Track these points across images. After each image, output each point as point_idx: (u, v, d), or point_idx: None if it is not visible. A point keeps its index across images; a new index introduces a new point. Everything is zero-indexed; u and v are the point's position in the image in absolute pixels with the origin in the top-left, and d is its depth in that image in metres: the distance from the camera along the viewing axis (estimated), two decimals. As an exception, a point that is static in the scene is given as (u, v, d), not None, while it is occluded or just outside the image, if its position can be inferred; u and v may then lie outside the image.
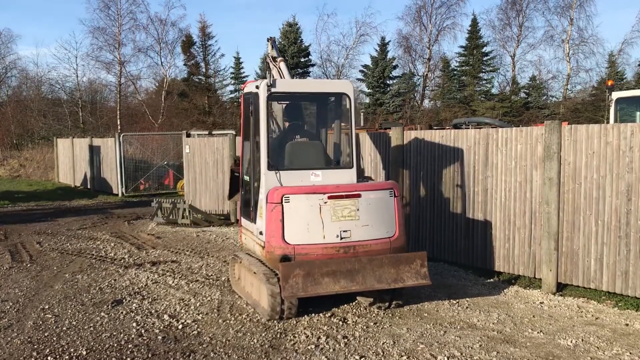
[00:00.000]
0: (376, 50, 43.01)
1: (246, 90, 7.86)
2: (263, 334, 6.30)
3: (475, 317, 6.84)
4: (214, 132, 16.71)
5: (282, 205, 6.66)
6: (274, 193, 6.74)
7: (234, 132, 15.32)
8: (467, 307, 7.23)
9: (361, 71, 43.23)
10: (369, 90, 42.91)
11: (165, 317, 6.96)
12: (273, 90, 7.08)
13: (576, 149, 7.71)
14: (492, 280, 8.60)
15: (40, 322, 6.81)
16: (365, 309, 7.18)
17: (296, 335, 6.27)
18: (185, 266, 9.74)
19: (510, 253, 8.56)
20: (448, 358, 5.61)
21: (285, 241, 6.64)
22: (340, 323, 6.64)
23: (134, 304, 7.51)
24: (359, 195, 6.88)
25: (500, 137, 8.64)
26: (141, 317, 6.98)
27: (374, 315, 6.95)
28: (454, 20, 44.53)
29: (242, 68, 43.05)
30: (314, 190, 6.79)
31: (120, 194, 21.10)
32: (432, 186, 9.70)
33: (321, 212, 6.70)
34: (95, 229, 13.90)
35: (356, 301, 7.42)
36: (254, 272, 7.25)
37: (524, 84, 44.40)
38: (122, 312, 7.16)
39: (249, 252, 7.92)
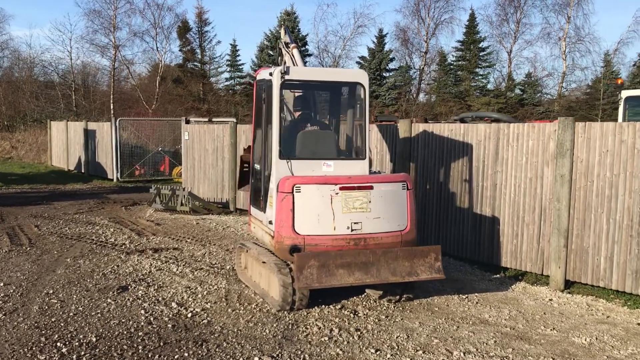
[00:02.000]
0: (373, 42, 42.86)
1: (259, 77, 7.72)
2: (274, 325, 6.22)
3: (486, 313, 6.79)
4: (214, 119, 16.53)
5: (293, 195, 6.57)
6: (285, 182, 6.64)
7: (235, 120, 15.17)
8: (477, 303, 7.19)
9: (358, 62, 43.04)
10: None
11: (174, 305, 6.86)
12: (287, 77, 6.93)
13: (589, 147, 7.67)
14: (498, 275, 8.57)
15: (46, 307, 6.68)
16: (375, 301, 7.12)
17: (308, 326, 6.20)
18: (188, 254, 9.63)
19: (518, 249, 8.53)
20: (464, 353, 5.56)
21: (295, 231, 6.55)
22: (352, 315, 6.58)
23: (140, 291, 7.40)
24: (371, 187, 6.81)
25: (511, 133, 8.58)
26: (149, 304, 6.87)
27: (384, 308, 6.90)
28: (452, 14, 44.59)
29: (239, 56, 42.93)
30: (326, 181, 6.70)
31: (115, 179, 20.89)
32: (439, 180, 9.64)
33: (332, 203, 6.64)
34: (93, 213, 13.73)
35: (365, 294, 7.36)
36: (263, 262, 7.17)
37: (519, 80, 44.48)
38: (128, 299, 7.05)
39: (257, 241, 7.83)
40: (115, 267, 8.66)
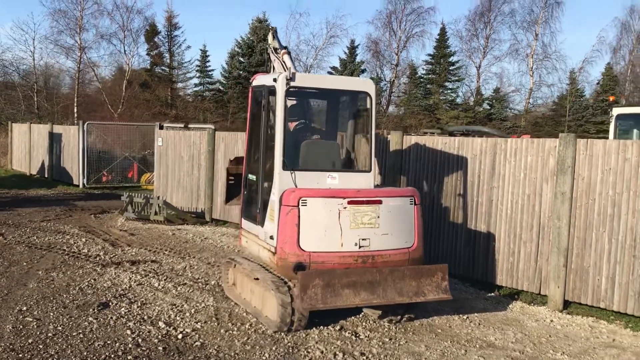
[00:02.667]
0: (345, 53, 42.85)
1: (257, 83, 7.32)
2: (273, 348, 5.81)
3: (491, 335, 6.52)
4: (190, 126, 16.00)
5: (299, 209, 6.18)
6: (289, 195, 6.25)
7: (213, 127, 14.68)
8: (479, 324, 6.91)
9: (329, 73, 42.87)
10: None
11: (161, 324, 6.38)
12: (292, 84, 6.52)
13: (591, 164, 7.51)
14: (493, 294, 8.33)
15: (21, 327, 6.12)
16: (375, 322, 6.77)
17: (309, 350, 5.81)
18: (168, 267, 9.13)
19: (514, 267, 8.31)
20: (479, 381, 5.27)
21: (300, 247, 6.15)
22: (353, 338, 6.21)
23: (123, 308, 6.89)
24: (380, 202, 6.48)
25: (509, 148, 8.39)
26: (134, 323, 6.37)
27: (385, 329, 6.55)
28: (423, 28, 44.80)
29: (209, 62, 42.06)
30: (334, 194, 6.34)
31: (81, 185, 20.06)
32: (432, 194, 9.38)
33: (340, 218, 6.27)
34: (61, 221, 13.04)
35: (362, 313, 7.00)
36: (256, 279, 6.76)
37: (487, 95, 45.04)
38: (111, 317, 6.53)
39: (249, 256, 7.40)
40: (92, 280, 8.11)
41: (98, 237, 11.29)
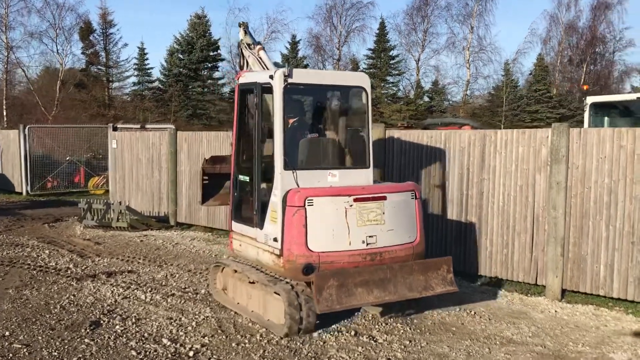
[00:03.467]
0: (287, 48, 42.51)
1: (245, 80, 6.96)
2: (295, 360, 5.49)
3: (506, 330, 6.41)
4: (147, 126, 15.29)
5: (305, 209, 5.95)
6: (294, 195, 6.00)
7: (174, 127, 14.07)
8: (489, 319, 6.80)
9: (271, 68, 42.37)
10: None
11: (165, 341, 5.92)
12: (290, 81, 6.27)
13: (586, 153, 7.54)
14: (488, 287, 8.26)
15: (11, 355, 5.52)
16: (386, 323, 6.53)
17: (333, 359, 5.51)
18: (147, 277, 8.59)
19: (509, 259, 8.27)
20: (517, 380, 5.12)
21: (309, 248, 5.95)
22: (373, 342, 5.96)
23: (117, 326, 6.37)
24: (384, 198, 6.38)
25: (499, 139, 8.33)
26: (135, 342, 5.89)
27: (401, 332, 6.32)
28: (363, 22, 45.06)
29: (147, 59, 40.75)
30: (340, 192, 6.18)
31: (24, 193, 18.88)
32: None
33: (347, 216, 6.11)
34: (13, 233, 12.15)
35: (360, 311, 6.74)
36: (254, 282, 6.47)
37: (427, 88, 45.73)
38: (108, 337, 6.01)
39: (243, 260, 7.05)
40: (71, 297, 7.50)
41: (62, 248, 10.56)
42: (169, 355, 5.54)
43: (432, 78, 47.37)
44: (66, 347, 5.73)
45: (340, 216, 6.07)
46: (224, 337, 6.09)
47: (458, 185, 8.76)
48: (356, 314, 6.72)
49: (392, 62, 44.19)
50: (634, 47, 58.08)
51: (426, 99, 45.03)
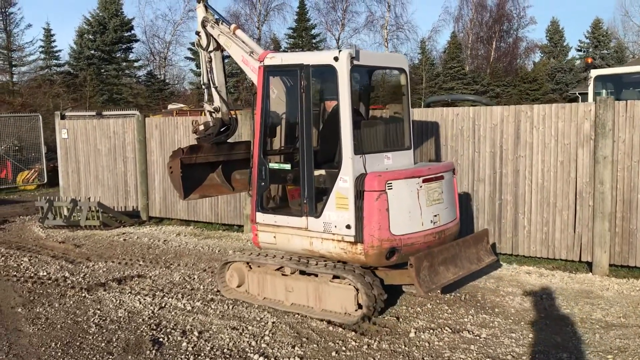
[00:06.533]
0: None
1: (281, 62, 6.45)
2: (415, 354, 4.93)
3: (593, 313, 6.17)
4: (104, 113, 13.86)
5: (387, 193, 5.82)
6: (374, 180, 5.82)
7: (138, 113, 12.82)
8: (564, 301, 6.54)
9: (190, 49, 40.62)
10: (198, 70, 40.49)
11: (255, 357, 5.16)
12: (356, 63, 5.97)
13: (633, 125, 7.44)
14: (531, 267, 8.04)
15: (86, 391, 4.57)
16: (470, 314, 6.12)
17: (455, 361, 5.02)
18: (163, 281, 7.68)
19: (549, 237, 8.09)
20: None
21: (392, 232, 5.87)
22: (479, 338, 5.52)
23: (184, 343, 5.51)
24: (442, 177, 6.55)
25: (535, 114, 8.08)
26: (222, 361, 5.09)
27: (492, 322, 5.92)
28: (283, 1, 44.04)
29: (54, 41, 37.59)
30: (412, 174, 6.20)
31: (-54, 192, 16.78)
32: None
33: (419, 198, 6.16)
34: (-37, 239, 10.60)
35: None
36: (293, 273, 6.39)
37: (349, 67, 45.60)
38: (185, 358, 5.16)
39: (279, 252, 6.65)
40: (97, 311, 6.49)
41: (39, 254, 9.27)
42: (274, 374, 4.82)
43: (352, 57, 47.32)
44: (144, 375, 4.84)
45: (413, 198, 6.11)
46: (314, 345, 5.41)
47: (490, 164, 8.45)
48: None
49: (313, 41, 43.61)
50: (535, 25, 61.05)
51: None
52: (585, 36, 50.21)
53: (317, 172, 6.16)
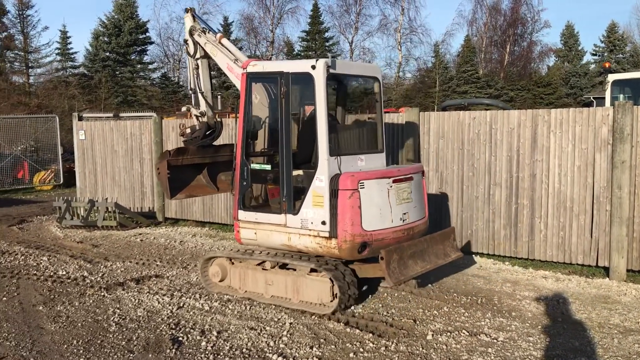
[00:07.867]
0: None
1: (262, 69, 6.88)
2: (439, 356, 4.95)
3: (611, 318, 6.16)
4: (122, 115, 14.01)
5: (359, 192, 6.26)
6: (347, 179, 6.27)
7: (155, 115, 12.94)
8: (581, 306, 6.53)
9: (204, 52, 40.75)
10: (213, 72, 40.70)
11: (274, 357, 5.21)
12: (332, 71, 6.39)
13: (651, 131, 7.42)
14: (547, 272, 8.02)
15: (108, 388, 4.64)
16: (487, 318, 6.13)
17: (473, 363, 5.03)
18: (181, 281, 7.75)
19: (566, 241, 8.07)
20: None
21: (363, 228, 6.28)
22: (496, 342, 5.52)
23: (203, 342, 5.57)
24: (412, 178, 6.95)
25: (553, 119, 8.07)
26: (241, 360, 5.14)
27: (509, 326, 5.92)
28: (296, 4, 44.34)
29: (70, 43, 37.94)
30: (383, 175, 6.62)
31: (-35, 192, 17.01)
32: (460, 172, 8.85)
33: (389, 197, 6.56)
34: (-17, 238, 10.74)
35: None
36: (273, 267, 6.79)
37: (362, 70, 45.56)
38: (205, 357, 5.21)
39: (258, 248, 7.08)
40: (117, 310, 6.57)
41: (58, 254, 9.38)
42: (293, 374, 4.86)
43: (366, 60, 47.31)
44: (165, 373, 4.90)
45: (384, 197, 6.50)
46: (332, 346, 5.45)
47: (507, 168, 8.45)
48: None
49: (327, 44, 43.65)
50: (550, 28, 60.68)
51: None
52: (600, 40, 49.90)
53: (295, 173, 6.61)
